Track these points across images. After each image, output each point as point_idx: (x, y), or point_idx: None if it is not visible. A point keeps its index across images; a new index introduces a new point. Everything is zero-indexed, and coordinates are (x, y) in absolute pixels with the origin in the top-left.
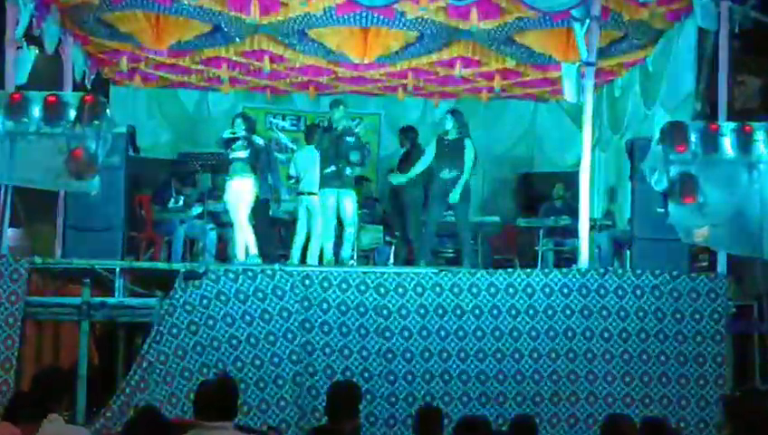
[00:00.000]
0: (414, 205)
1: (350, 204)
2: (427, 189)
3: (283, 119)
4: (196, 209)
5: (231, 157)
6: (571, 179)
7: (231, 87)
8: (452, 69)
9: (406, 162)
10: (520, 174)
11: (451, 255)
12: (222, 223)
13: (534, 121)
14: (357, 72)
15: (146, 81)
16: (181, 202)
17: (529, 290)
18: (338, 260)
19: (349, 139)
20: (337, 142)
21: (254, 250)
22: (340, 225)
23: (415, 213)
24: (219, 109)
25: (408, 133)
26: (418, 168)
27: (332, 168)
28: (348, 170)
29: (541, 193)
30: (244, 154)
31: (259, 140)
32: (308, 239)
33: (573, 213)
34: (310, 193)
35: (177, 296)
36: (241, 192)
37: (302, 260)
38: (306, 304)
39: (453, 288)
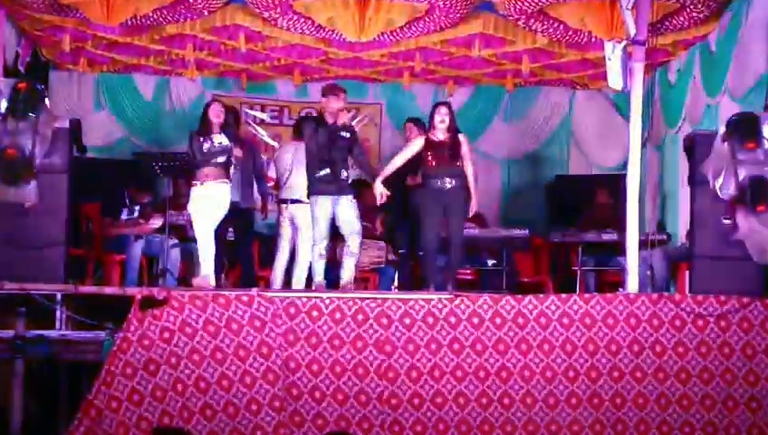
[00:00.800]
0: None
1: (350, 212)
2: None
3: (262, 110)
4: (156, 222)
5: (212, 161)
6: (615, 184)
7: (198, 71)
8: (469, 49)
9: (413, 163)
10: (553, 177)
11: (469, 277)
12: (187, 238)
13: (571, 113)
14: (352, 52)
15: (94, 64)
16: (137, 213)
17: (565, 320)
18: (335, 284)
19: (344, 134)
20: (332, 139)
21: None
22: (334, 239)
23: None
24: (184, 98)
25: (410, 122)
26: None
27: (326, 170)
28: (344, 173)
29: (578, 201)
30: (222, 158)
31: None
32: (293, 258)
33: (619, 225)
34: (295, 201)
35: (131, 329)
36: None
37: (286, 284)
38: (291, 337)
39: (471, 318)
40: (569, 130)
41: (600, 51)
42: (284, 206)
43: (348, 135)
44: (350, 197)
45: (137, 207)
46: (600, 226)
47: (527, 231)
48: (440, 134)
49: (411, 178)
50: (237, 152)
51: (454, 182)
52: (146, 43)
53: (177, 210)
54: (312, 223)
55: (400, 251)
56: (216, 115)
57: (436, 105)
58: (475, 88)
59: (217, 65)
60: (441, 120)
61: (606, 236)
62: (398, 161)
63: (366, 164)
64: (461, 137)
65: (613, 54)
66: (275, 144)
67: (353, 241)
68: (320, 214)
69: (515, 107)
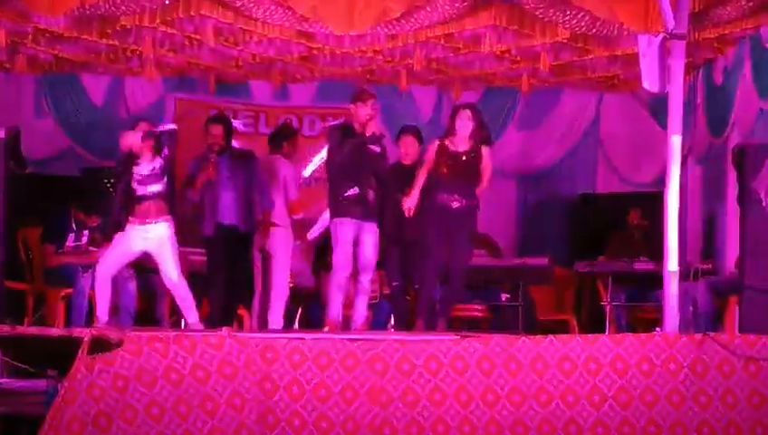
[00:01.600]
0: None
1: (372, 243)
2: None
3: (234, 117)
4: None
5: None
6: (651, 204)
7: (158, 71)
8: (479, 44)
9: (408, 180)
10: (577, 196)
11: (478, 314)
12: (146, 269)
13: (598, 120)
14: (341, 48)
15: (34, 63)
16: (85, 239)
17: (592, 366)
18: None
19: (374, 148)
20: (361, 152)
21: (191, 318)
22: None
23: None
24: (142, 102)
25: (406, 133)
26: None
27: (355, 189)
28: (371, 194)
29: (607, 224)
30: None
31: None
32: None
33: (655, 253)
34: (276, 225)
35: (78, 377)
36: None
37: (262, 323)
38: (268, 386)
39: (482, 364)
40: (596, 140)
41: (632, 46)
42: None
43: (377, 149)
44: (375, 225)
45: (85, 232)
46: (634, 253)
47: (547, 260)
48: (460, 144)
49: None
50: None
51: (464, 202)
52: (96, 37)
53: None
54: (332, 246)
55: (394, 283)
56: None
57: (458, 108)
58: (484, 90)
59: (181, 63)
60: (463, 125)
61: (640, 266)
62: (424, 174)
63: (389, 181)
64: (485, 151)
65: (648, 50)
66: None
67: (367, 277)
68: (345, 237)
69: (532, 113)
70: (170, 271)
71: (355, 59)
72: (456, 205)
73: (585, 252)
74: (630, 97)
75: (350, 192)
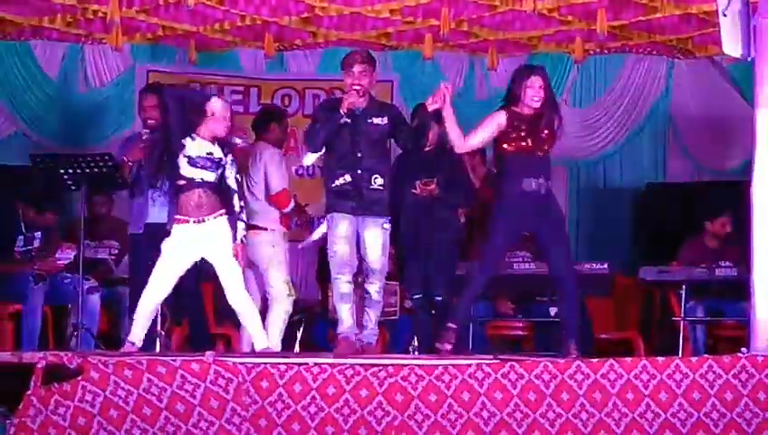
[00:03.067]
0: (449, 240)
1: (378, 245)
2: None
3: (219, 92)
4: (66, 255)
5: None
6: (735, 196)
7: (126, 37)
8: (520, 0)
9: (427, 167)
10: (642, 187)
11: (519, 332)
12: (111, 280)
13: (669, 93)
14: (351, 8)
15: None
16: (38, 242)
17: (663, 396)
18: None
19: (376, 121)
20: (355, 130)
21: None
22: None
23: (449, 255)
24: (105, 75)
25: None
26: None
27: (345, 177)
28: (378, 180)
29: (680, 220)
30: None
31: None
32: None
33: (741, 257)
34: (253, 227)
35: (31, 412)
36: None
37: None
38: (263, 423)
39: (526, 393)
40: (666, 116)
41: (711, 3)
42: (251, 235)
43: (381, 121)
44: (384, 220)
45: (37, 235)
46: (713, 257)
47: (606, 265)
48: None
49: (421, 185)
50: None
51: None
52: None
53: (98, 239)
54: (329, 249)
55: (415, 297)
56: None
57: (525, 71)
58: (527, 58)
59: (154, 28)
60: (535, 96)
61: (721, 273)
62: (480, 137)
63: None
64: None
65: (729, 8)
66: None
67: (374, 286)
68: (338, 234)
69: (588, 85)
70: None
71: (368, 20)
72: (543, 190)
73: (653, 256)
74: (707, 64)
75: (339, 181)
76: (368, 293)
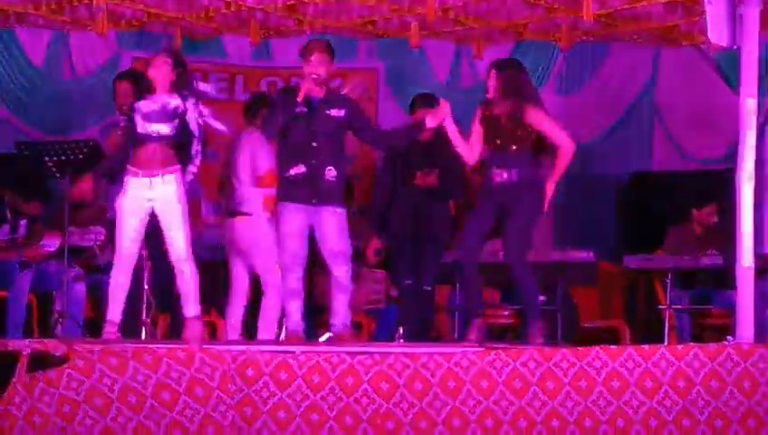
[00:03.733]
0: (441, 231)
1: (333, 229)
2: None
3: (204, 79)
4: (51, 243)
5: (140, 133)
6: (720, 185)
7: (111, 24)
8: None
9: (426, 157)
10: (628, 175)
11: (504, 321)
12: (96, 266)
13: (654, 82)
14: None
15: None
16: (22, 230)
17: (648, 384)
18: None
19: (331, 113)
20: (311, 120)
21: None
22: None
23: (439, 246)
24: (90, 62)
25: (423, 106)
26: (458, 144)
27: (300, 167)
28: (330, 172)
29: (666, 209)
30: (166, 129)
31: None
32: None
33: (726, 245)
34: (245, 214)
35: (16, 400)
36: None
37: (246, 335)
38: (248, 411)
39: (512, 381)
40: (652, 105)
41: None
42: (234, 221)
43: (338, 113)
44: (337, 208)
45: (22, 223)
46: (698, 245)
47: (591, 254)
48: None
49: (422, 175)
50: (215, 124)
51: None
52: None
53: (82, 225)
54: (280, 247)
55: (406, 282)
56: (157, 69)
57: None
58: (514, 46)
59: (139, 14)
60: (488, 88)
61: (707, 261)
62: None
63: (387, 137)
64: (530, 111)
65: None
66: (224, 128)
67: (340, 269)
68: (289, 229)
69: (573, 73)
70: (179, 241)
71: (354, 7)
72: (499, 178)
73: (638, 245)
74: (693, 53)
75: (294, 172)
76: (335, 278)
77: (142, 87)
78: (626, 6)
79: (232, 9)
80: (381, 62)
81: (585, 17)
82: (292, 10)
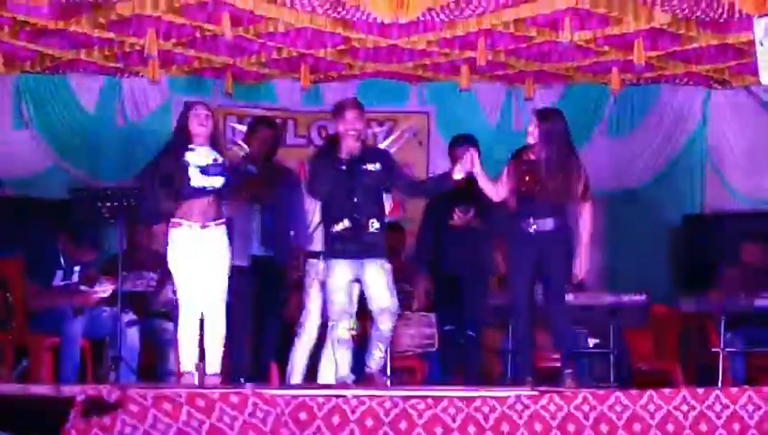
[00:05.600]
0: (484, 274)
1: (380, 282)
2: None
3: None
4: (104, 289)
5: (191, 186)
6: None
7: (163, 70)
8: (557, 31)
9: (465, 197)
10: (680, 218)
11: (557, 364)
12: (150, 312)
13: (706, 123)
14: (386, 39)
15: (12, 62)
16: (76, 276)
17: (703, 427)
18: (363, 377)
19: (369, 167)
20: (351, 176)
21: (214, 367)
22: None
23: (482, 289)
24: (143, 108)
25: (463, 147)
26: (487, 187)
27: (345, 222)
28: (374, 224)
29: (719, 251)
30: (218, 182)
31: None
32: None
33: None
34: (315, 254)
35: None
36: (215, 250)
37: (309, 376)
38: None
39: (566, 424)
40: (703, 147)
41: (747, 32)
42: (313, 262)
43: (376, 167)
44: (383, 261)
45: (76, 268)
46: (753, 287)
47: (644, 297)
48: (536, 154)
49: (459, 214)
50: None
51: (542, 225)
52: (87, 29)
53: (136, 270)
54: (327, 295)
55: (445, 328)
56: (201, 124)
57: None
58: (565, 89)
59: (191, 60)
60: (530, 131)
61: (761, 303)
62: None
63: (418, 187)
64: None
65: (766, 38)
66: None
67: (385, 322)
68: (336, 285)
69: (624, 115)
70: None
71: (404, 52)
72: (539, 227)
73: (691, 287)
74: (744, 94)
75: (339, 227)
76: (378, 330)
77: (279, 136)
78: (676, 48)
79: (283, 54)
80: (432, 105)
81: (636, 60)
82: (342, 54)
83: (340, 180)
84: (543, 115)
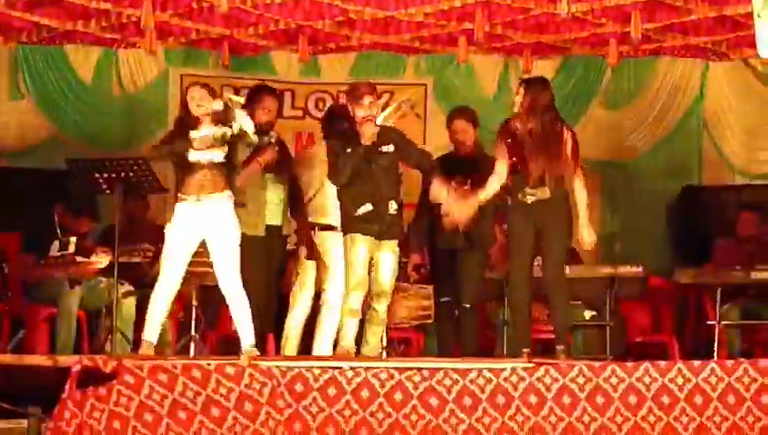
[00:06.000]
0: (482, 246)
1: (390, 265)
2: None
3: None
4: (100, 259)
5: (190, 159)
6: None
7: (159, 41)
8: (554, 3)
9: (462, 171)
10: (677, 190)
11: (552, 336)
12: (146, 283)
13: (703, 96)
14: (383, 11)
15: (9, 32)
16: (72, 247)
17: (698, 399)
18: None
19: (385, 149)
20: (369, 159)
21: (249, 338)
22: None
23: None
24: (139, 79)
25: (458, 119)
26: (490, 189)
27: (368, 206)
28: (392, 206)
29: (716, 224)
30: (219, 155)
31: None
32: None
33: None
34: (325, 228)
35: (66, 415)
36: (219, 224)
37: (303, 351)
38: (298, 427)
39: (561, 397)
40: (700, 120)
41: (745, 4)
42: (326, 234)
43: (389, 149)
44: (396, 246)
45: (72, 239)
46: (749, 260)
47: (641, 269)
48: (523, 124)
49: (456, 186)
50: (268, 155)
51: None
52: (84, 0)
53: (132, 243)
54: (344, 267)
55: (442, 300)
56: (198, 105)
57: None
58: (562, 61)
59: (188, 32)
60: (515, 102)
61: (758, 275)
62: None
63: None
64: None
65: (764, 10)
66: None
67: (382, 304)
68: (356, 257)
69: (621, 87)
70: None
71: (401, 23)
72: (533, 196)
73: (687, 259)
74: (742, 67)
75: (363, 210)
76: (375, 311)
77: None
78: (674, 20)
79: (280, 26)
80: (430, 77)
81: (633, 32)
82: (340, 26)
83: (361, 166)
84: (530, 85)
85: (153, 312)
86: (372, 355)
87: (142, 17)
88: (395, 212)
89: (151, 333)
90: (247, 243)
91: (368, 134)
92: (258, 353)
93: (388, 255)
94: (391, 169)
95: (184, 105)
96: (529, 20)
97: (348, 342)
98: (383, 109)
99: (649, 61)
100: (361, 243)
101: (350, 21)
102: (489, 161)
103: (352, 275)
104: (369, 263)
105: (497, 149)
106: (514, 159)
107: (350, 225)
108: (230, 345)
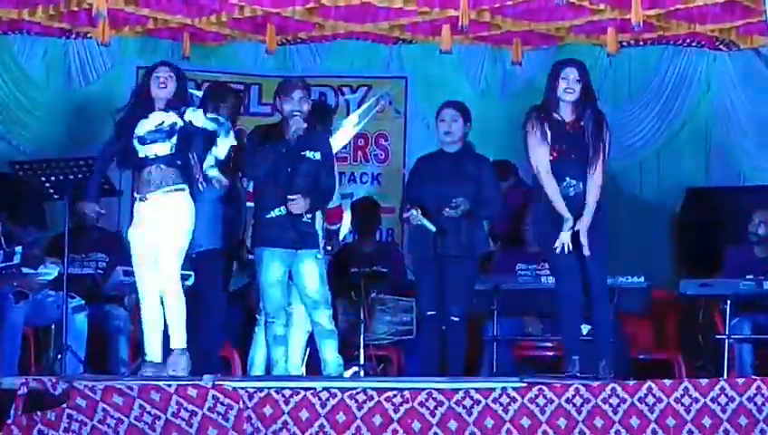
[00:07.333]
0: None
1: (314, 275)
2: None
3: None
4: (48, 271)
5: (138, 157)
6: None
7: (114, 30)
8: None
9: (456, 171)
10: (682, 193)
11: (548, 353)
12: (99, 296)
13: (710, 89)
14: None
15: None
16: (18, 257)
17: (706, 420)
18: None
19: (310, 155)
20: (290, 160)
21: (178, 343)
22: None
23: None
24: (92, 73)
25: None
26: (551, 191)
27: (280, 209)
28: (308, 215)
29: (724, 229)
30: (166, 147)
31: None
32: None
33: None
34: None
35: None
36: (166, 221)
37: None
38: None
39: (554, 420)
40: (708, 115)
41: None
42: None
43: (315, 156)
44: (317, 252)
45: (17, 249)
46: (761, 269)
47: (643, 279)
48: (565, 111)
49: (449, 211)
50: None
51: (581, 187)
52: None
53: (83, 252)
54: (261, 290)
55: (428, 313)
56: (160, 84)
57: (560, 65)
58: (556, 50)
59: (144, 21)
60: (568, 87)
61: None
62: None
63: (328, 192)
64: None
65: None
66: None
67: (322, 316)
68: (267, 277)
69: (621, 79)
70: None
71: (379, 11)
72: (574, 192)
73: (694, 269)
74: (753, 56)
75: (275, 213)
76: (318, 324)
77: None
78: (679, 6)
79: (246, 13)
80: (409, 71)
81: (634, 18)
82: (311, 14)
83: (279, 164)
84: (584, 69)
85: (145, 328)
86: (337, 369)
87: (94, 4)
88: (309, 221)
89: (151, 352)
90: (209, 255)
91: (293, 129)
92: (183, 363)
93: (308, 263)
94: (312, 176)
95: (141, 86)
96: (519, 6)
97: (279, 370)
98: (359, 105)
99: (652, 51)
100: (271, 260)
101: (322, 8)
102: (480, 160)
103: (269, 299)
104: (289, 276)
105: (532, 138)
106: (555, 154)
107: (260, 232)
108: (193, 364)
